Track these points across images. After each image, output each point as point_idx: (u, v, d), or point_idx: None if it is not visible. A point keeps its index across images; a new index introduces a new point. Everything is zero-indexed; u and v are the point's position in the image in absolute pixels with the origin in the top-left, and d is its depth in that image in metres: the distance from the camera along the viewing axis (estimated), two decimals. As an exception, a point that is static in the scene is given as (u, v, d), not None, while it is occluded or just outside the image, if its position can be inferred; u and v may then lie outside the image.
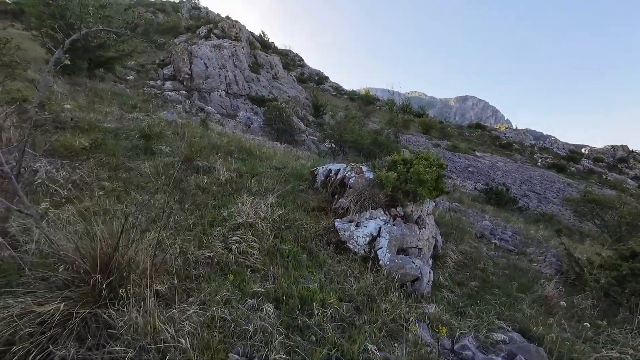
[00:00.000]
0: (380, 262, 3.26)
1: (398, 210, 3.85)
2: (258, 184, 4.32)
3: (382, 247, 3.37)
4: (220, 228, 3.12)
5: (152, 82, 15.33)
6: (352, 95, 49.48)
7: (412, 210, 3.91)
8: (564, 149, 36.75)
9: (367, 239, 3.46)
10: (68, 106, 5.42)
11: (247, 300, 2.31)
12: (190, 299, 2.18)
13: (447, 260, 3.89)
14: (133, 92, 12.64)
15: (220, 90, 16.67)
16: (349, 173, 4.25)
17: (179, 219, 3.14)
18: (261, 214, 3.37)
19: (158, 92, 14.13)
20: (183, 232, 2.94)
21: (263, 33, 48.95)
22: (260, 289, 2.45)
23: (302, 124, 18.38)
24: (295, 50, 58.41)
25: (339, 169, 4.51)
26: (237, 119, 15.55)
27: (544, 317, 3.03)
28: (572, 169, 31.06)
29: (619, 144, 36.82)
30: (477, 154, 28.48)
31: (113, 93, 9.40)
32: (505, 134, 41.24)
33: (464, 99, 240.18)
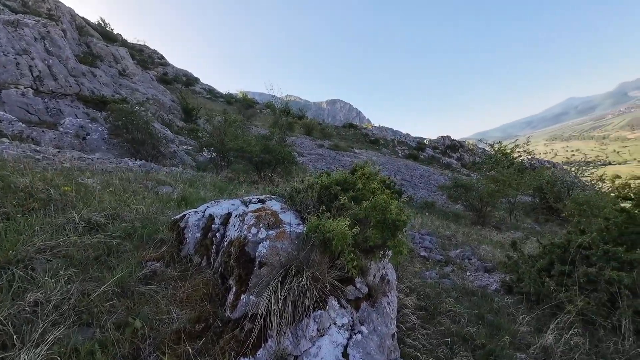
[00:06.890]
0: None
1: (358, 285, 1.98)
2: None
3: None
4: None
5: None
6: (229, 98, 46.02)
7: (375, 276, 2.10)
8: (414, 141, 45.35)
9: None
10: None
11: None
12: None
13: (407, 315, 2.72)
14: None
15: (22, 87, 11.14)
16: (253, 230, 1.97)
17: None
18: None
19: None
20: None
21: (102, 20, 38.86)
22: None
23: (170, 132, 14.76)
24: (152, 46, 49.43)
25: (228, 213, 2.30)
26: (61, 129, 10.75)
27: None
28: (422, 156, 38.62)
29: (445, 135, 48.42)
30: (356, 150, 31.15)
31: None
32: (372, 131, 47.48)
33: (333, 102, 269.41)
